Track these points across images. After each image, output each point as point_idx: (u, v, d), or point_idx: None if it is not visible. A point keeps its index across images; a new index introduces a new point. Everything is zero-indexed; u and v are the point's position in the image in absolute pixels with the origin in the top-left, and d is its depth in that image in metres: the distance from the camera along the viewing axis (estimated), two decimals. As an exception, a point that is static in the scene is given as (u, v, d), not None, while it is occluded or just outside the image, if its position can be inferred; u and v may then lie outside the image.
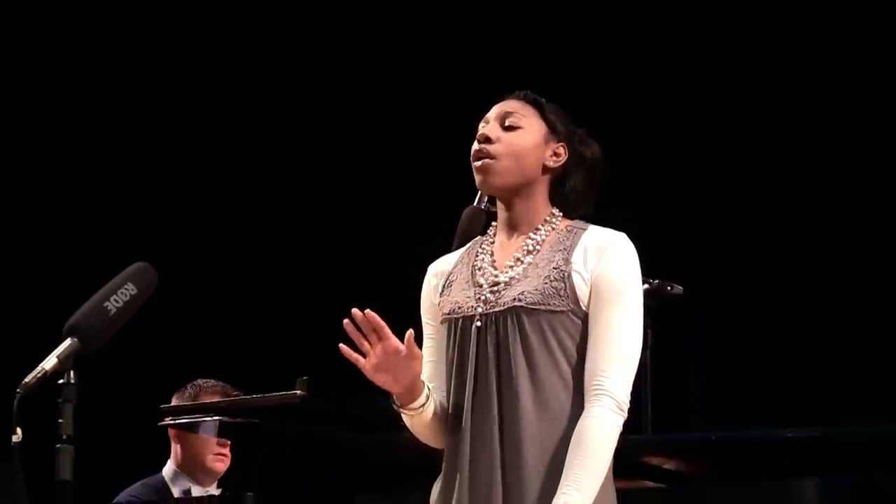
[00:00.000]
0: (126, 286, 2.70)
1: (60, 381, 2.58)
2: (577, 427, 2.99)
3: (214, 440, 4.81)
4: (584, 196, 3.19)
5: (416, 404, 3.08)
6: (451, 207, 3.50)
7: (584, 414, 3.00)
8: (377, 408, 3.88)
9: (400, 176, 6.54)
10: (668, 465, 4.03)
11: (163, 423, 4.22)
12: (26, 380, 2.56)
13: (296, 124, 6.85)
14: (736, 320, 6.32)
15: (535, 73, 6.27)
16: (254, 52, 6.87)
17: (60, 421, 2.56)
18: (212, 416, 4.01)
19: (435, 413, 3.12)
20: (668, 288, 4.31)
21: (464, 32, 6.68)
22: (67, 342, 2.61)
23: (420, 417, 3.11)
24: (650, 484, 4.02)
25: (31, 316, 5.90)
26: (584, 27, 6.56)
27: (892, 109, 6.22)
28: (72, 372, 2.58)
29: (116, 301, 2.67)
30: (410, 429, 3.16)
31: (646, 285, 4.24)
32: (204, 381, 4.88)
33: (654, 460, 4.00)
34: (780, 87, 6.41)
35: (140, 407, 4.99)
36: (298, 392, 3.77)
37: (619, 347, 3.04)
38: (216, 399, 4.71)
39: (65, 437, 2.55)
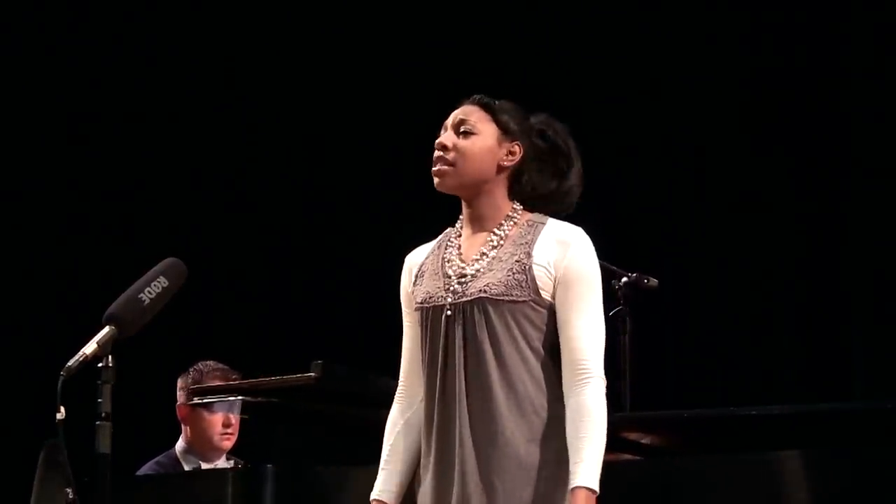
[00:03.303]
0: (159, 279, 2.71)
1: (100, 365, 2.59)
2: (573, 405, 2.98)
3: (220, 422, 4.82)
4: (545, 187, 3.16)
5: None
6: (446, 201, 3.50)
7: (577, 392, 2.99)
8: (383, 387, 3.90)
9: (405, 172, 6.52)
10: (645, 440, 4.04)
11: (192, 402, 4.23)
12: (69, 363, 2.57)
13: (305, 124, 6.83)
14: (705, 310, 6.32)
15: (515, 69, 6.27)
16: (264, 60, 6.86)
17: (100, 400, 2.57)
18: (235, 396, 4.01)
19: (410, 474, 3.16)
20: (645, 281, 4.32)
21: (450, 33, 6.68)
22: (106, 329, 2.61)
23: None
24: (629, 456, 4.03)
25: (72, 306, 5.90)
26: (565, 25, 6.55)
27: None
28: (110, 356, 2.59)
29: (150, 292, 2.68)
30: None
31: (624, 278, 4.28)
32: (204, 363, 4.87)
33: (633, 435, 4.00)
34: (752, 83, 6.39)
35: (159, 387, 5.03)
36: (313, 374, 3.77)
37: (592, 331, 3.03)
38: (217, 380, 4.73)
39: (104, 414, 2.56)
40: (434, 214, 3.42)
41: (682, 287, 6.11)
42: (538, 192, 3.16)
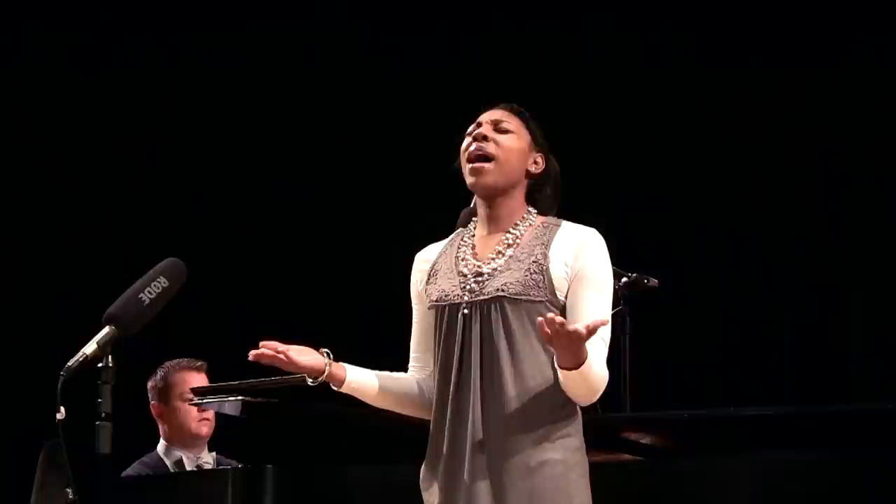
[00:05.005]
0: (159, 279, 2.71)
1: (100, 365, 2.59)
2: None
3: (194, 409, 4.86)
4: (552, 203, 3.23)
5: (344, 386, 3.19)
6: (449, 203, 3.49)
7: None
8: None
9: (405, 175, 6.54)
10: (645, 440, 4.04)
11: (192, 402, 4.23)
12: (69, 364, 2.57)
13: (305, 124, 6.83)
14: (705, 310, 6.32)
15: (523, 77, 6.27)
16: (268, 61, 6.86)
17: (100, 400, 2.57)
18: (235, 396, 4.01)
19: (386, 390, 3.19)
20: (646, 281, 4.32)
21: (456, 42, 6.68)
22: (106, 330, 2.61)
23: (363, 394, 3.19)
24: (629, 457, 4.03)
25: (72, 306, 5.89)
26: (565, 30, 6.56)
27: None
28: (110, 356, 2.59)
29: (150, 292, 2.68)
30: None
31: (625, 278, 4.27)
32: (169, 361, 4.99)
33: (633, 436, 4.00)
34: (752, 83, 6.39)
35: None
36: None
37: (599, 317, 3.04)
38: (182, 372, 4.89)
39: (104, 414, 2.56)
40: (438, 215, 3.44)
41: (682, 287, 6.11)
42: (548, 205, 3.22)
